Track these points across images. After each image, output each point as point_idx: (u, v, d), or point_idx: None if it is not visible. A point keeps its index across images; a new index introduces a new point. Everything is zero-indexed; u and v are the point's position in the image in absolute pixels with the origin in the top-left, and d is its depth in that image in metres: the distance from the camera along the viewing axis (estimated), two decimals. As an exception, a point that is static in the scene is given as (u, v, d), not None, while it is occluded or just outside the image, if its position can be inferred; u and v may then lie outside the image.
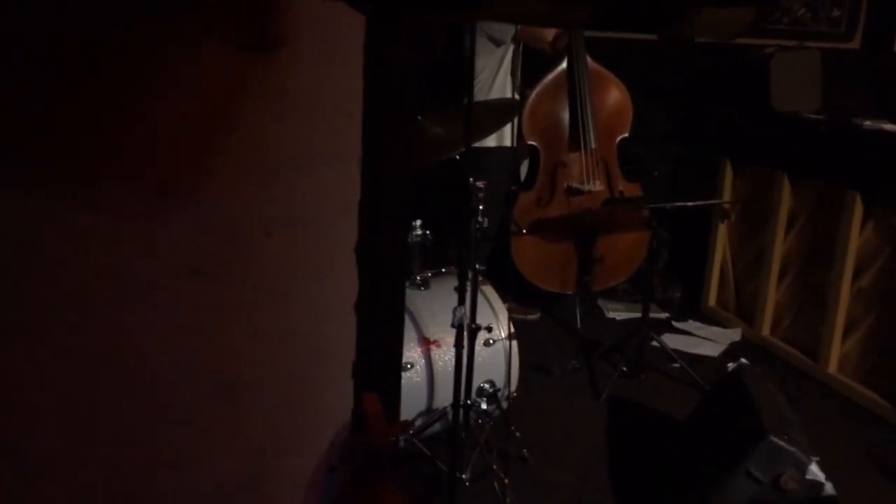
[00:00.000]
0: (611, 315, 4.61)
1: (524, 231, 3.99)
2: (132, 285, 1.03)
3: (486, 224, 2.59)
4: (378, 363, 1.53)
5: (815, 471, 2.35)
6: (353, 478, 1.42)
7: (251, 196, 1.17)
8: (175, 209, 1.05)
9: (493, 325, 2.93)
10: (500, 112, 2.72)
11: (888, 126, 3.51)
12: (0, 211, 0.84)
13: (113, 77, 0.93)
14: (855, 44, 4.44)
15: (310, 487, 1.40)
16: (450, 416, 2.89)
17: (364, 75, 1.29)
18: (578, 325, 4.31)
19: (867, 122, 3.63)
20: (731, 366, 2.91)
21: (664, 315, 4.57)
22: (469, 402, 2.67)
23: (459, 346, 2.35)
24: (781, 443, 2.35)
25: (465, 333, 2.42)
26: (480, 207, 2.61)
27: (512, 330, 3.03)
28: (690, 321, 4.56)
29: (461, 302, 2.34)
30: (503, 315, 3.07)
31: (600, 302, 4.73)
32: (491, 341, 2.98)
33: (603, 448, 3.18)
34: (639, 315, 4.58)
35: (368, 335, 1.44)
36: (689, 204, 3.36)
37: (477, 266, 2.57)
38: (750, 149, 4.31)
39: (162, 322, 1.09)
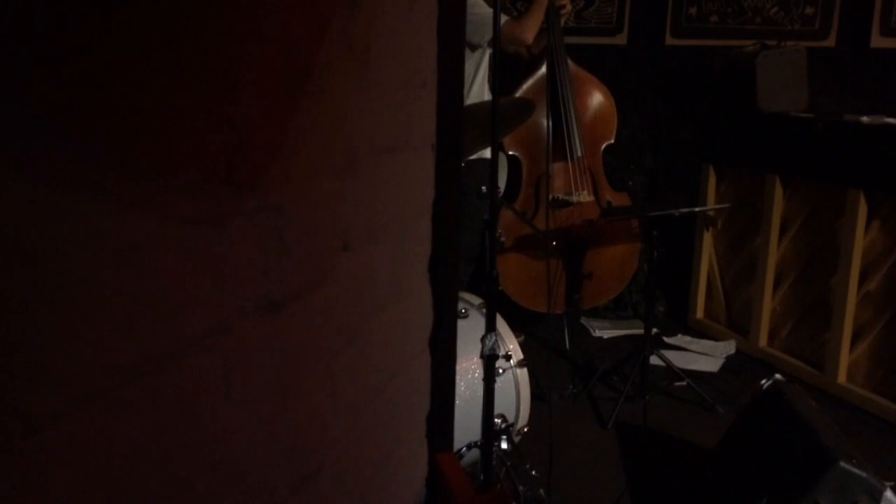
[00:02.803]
0: (597, 333, 4.35)
1: (505, 244, 3.68)
2: (192, 325, 0.66)
3: (502, 238, 2.28)
4: (443, 413, 1.19)
5: (890, 498, 2.10)
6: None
7: (329, 192, 0.82)
8: (249, 210, 0.69)
9: (512, 354, 2.61)
10: (513, 113, 2.42)
11: (891, 120, 3.35)
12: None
13: (165, 12, 0.58)
14: (830, 41, 4.32)
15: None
16: (465, 458, 2.56)
17: (438, 33, 0.96)
18: (567, 347, 4.03)
19: (864, 118, 3.47)
20: (765, 383, 2.66)
21: (654, 330, 4.32)
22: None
23: (490, 380, 2.02)
24: (852, 468, 2.09)
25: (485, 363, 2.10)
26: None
27: (521, 356, 2.72)
28: (679, 335, 4.33)
29: (490, 328, 2.01)
30: (510, 340, 2.75)
31: (584, 320, 4.46)
32: (500, 370, 2.65)
33: (623, 482, 2.88)
34: (626, 332, 4.37)
35: (435, 377, 1.11)
36: (696, 209, 3.12)
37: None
38: (735, 152, 4.13)
39: (232, 380, 0.72)
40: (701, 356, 4.02)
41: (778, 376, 2.66)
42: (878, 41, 4.25)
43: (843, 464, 2.09)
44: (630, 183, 4.60)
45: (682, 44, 4.60)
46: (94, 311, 0.58)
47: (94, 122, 0.56)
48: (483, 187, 2.29)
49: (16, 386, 0.53)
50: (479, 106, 2.93)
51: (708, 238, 4.32)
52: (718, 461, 2.67)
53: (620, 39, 4.67)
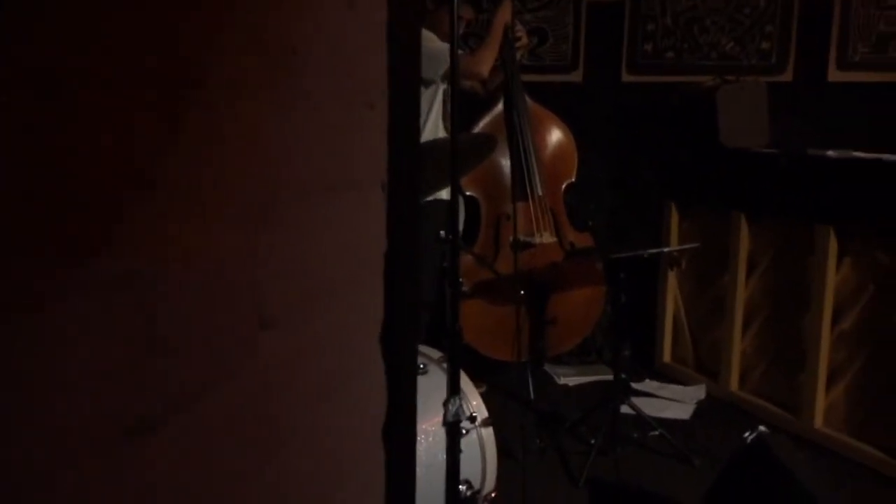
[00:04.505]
0: (562, 381, 4.14)
1: (465, 291, 3.47)
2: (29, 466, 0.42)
3: (464, 287, 2.07)
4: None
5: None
6: None
7: (236, 249, 0.59)
8: (95, 282, 0.45)
9: (476, 413, 2.38)
10: (474, 149, 2.23)
11: (859, 154, 3.25)
12: None
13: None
14: (787, 76, 4.26)
15: None
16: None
17: (388, 41, 0.76)
18: (531, 397, 3.81)
19: (831, 152, 3.37)
20: (748, 436, 2.47)
21: (622, 376, 4.13)
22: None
23: (455, 449, 1.80)
24: (856, 533, 1.90)
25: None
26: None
27: (486, 415, 2.49)
28: (647, 380, 4.14)
29: (454, 391, 1.79)
30: (473, 396, 2.52)
31: (548, 367, 4.25)
32: (463, 431, 2.42)
33: (599, 546, 2.66)
34: (592, 378, 4.17)
35: (391, 478, 0.88)
36: (665, 250, 2.96)
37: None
38: (697, 189, 4.00)
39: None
40: (671, 403, 3.84)
41: (762, 428, 2.48)
42: (834, 75, 4.20)
43: (845, 528, 1.90)
44: (590, 223, 4.44)
45: (639, 80, 4.50)
46: None
47: None
48: (441, 232, 2.08)
49: None
50: (435, 143, 2.74)
51: (672, 278, 4.17)
52: (703, 523, 2.46)
53: (576, 76, 4.57)
